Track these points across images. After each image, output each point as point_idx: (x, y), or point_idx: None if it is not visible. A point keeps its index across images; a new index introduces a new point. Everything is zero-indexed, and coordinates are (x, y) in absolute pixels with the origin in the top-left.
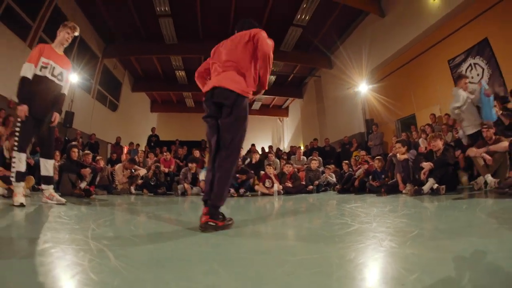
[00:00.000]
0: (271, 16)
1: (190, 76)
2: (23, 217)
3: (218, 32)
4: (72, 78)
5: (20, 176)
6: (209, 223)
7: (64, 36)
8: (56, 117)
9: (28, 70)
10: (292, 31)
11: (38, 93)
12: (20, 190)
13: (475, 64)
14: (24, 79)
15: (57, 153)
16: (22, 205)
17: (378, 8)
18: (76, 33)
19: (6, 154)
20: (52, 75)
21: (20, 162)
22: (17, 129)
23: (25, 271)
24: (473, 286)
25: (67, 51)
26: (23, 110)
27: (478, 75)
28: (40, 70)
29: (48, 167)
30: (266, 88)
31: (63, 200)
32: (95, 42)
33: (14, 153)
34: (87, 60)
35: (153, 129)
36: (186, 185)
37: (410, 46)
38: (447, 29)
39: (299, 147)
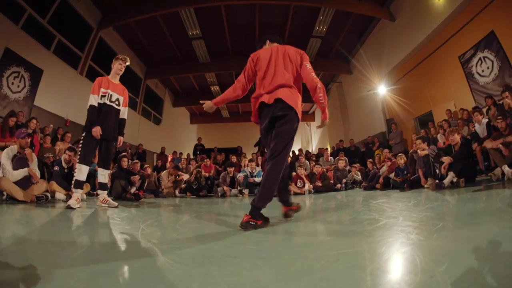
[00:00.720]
0: (291, 29)
1: (224, 89)
2: (82, 219)
3: (245, 48)
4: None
5: (78, 184)
6: (250, 222)
7: (117, 67)
8: (121, 140)
9: (93, 100)
10: (313, 42)
11: (100, 116)
12: (76, 195)
13: (484, 57)
14: (92, 107)
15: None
16: (70, 207)
17: (388, 13)
18: (127, 63)
19: (64, 165)
20: (110, 101)
21: (80, 172)
22: (81, 144)
23: (84, 265)
24: (498, 276)
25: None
26: (97, 131)
27: (488, 68)
28: (101, 98)
29: (105, 175)
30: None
31: (115, 203)
32: (137, 66)
33: (77, 165)
34: (132, 82)
35: (199, 139)
36: (225, 188)
37: (422, 46)
38: (454, 26)
39: (326, 148)
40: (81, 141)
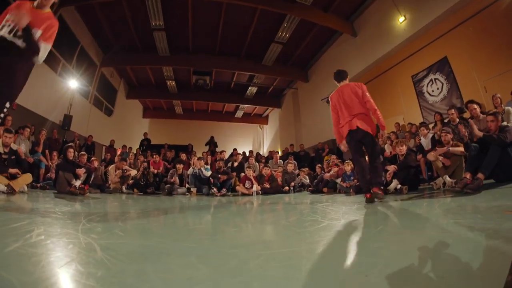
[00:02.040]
0: (255, 33)
1: (180, 85)
2: (20, 211)
3: (207, 46)
4: (71, 83)
5: None
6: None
7: None
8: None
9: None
10: (273, 47)
11: None
12: None
13: (435, 79)
14: None
15: (55, 153)
16: None
17: (351, 28)
18: None
19: (0, 149)
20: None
21: None
22: None
23: (17, 261)
24: (433, 276)
25: (68, 58)
26: None
27: (438, 88)
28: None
29: None
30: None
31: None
32: (94, 51)
33: None
34: (86, 67)
35: (145, 134)
36: (174, 179)
37: (378, 62)
38: (411, 48)
39: (277, 152)
40: None
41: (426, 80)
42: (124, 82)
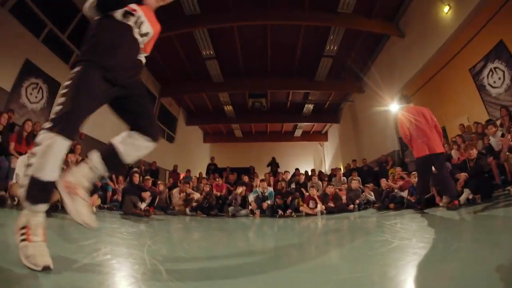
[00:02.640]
0: (303, 49)
1: (237, 109)
2: (88, 230)
3: (258, 67)
4: None
5: None
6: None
7: None
8: None
9: None
10: (324, 62)
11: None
12: None
13: (495, 68)
14: None
15: (121, 177)
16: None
17: (397, 30)
18: None
19: None
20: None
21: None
22: None
23: (84, 277)
24: None
25: None
26: None
27: (499, 78)
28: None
29: None
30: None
31: None
32: (152, 84)
33: None
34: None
35: (212, 158)
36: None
37: (432, 61)
38: (463, 39)
39: (339, 168)
40: None
41: (485, 71)
42: (183, 110)
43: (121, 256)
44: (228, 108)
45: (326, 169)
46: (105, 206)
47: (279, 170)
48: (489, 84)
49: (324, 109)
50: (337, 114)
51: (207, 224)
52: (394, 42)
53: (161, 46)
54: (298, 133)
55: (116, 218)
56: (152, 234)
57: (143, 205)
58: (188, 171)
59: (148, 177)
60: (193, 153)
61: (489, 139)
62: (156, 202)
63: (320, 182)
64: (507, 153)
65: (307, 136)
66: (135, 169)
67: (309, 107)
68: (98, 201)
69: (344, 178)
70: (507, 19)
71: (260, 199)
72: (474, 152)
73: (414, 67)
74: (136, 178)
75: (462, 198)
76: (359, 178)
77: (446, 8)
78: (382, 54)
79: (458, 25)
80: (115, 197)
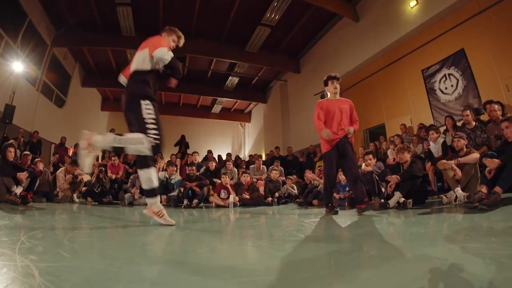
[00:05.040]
0: (238, 12)
1: None
2: None
3: (180, 26)
4: (15, 66)
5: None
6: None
7: (170, 43)
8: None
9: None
10: (260, 31)
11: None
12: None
13: (449, 74)
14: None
15: None
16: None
17: (353, 12)
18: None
19: None
20: None
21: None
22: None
23: None
24: None
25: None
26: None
27: (452, 86)
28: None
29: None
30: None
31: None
32: (44, 27)
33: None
34: (34, 46)
35: (112, 131)
36: (134, 190)
37: (383, 53)
38: (422, 38)
39: (260, 155)
40: (147, 112)
41: (439, 76)
42: (79, 66)
43: None
44: None
45: (246, 154)
46: None
47: (188, 151)
48: (439, 89)
49: (251, 85)
50: (265, 93)
51: (99, 214)
52: (346, 25)
53: None
54: (216, 109)
55: None
56: (28, 227)
57: (19, 190)
58: (78, 145)
59: (27, 152)
60: (87, 123)
61: (429, 144)
62: (36, 186)
63: (235, 169)
64: (452, 165)
65: (227, 114)
66: (11, 141)
67: (233, 80)
68: None
69: (264, 167)
70: (472, 29)
71: (164, 186)
72: (405, 156)
73: (362, 55)
74: (11, 154)
75: (392, 201)
76: (281, 168)
77: (412, 2)
78: (329, 35)
79: (422, 22)
80: None
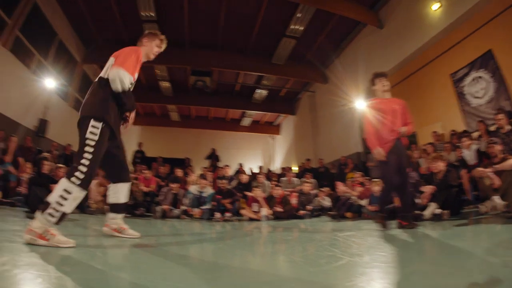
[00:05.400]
0: (263, 25)
1: (176, 87)
2: None
3: (206, 41)
4: (48, 83)
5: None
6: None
7: (155, 49)
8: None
9: (128, 82)
10: (285, 43)
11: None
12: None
13: (479, 77)
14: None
15: (28, 164)
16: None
17: (376, 19)
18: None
19: None
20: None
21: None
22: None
23: None
24: None
25: (44, 52)
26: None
27: (482, 89)
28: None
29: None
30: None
31: (137, 234)
32: (74, 45)
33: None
34: (65, 63)
35: (140, 144)
36: (165, 206)
37: (410, 59)
38: (448, 41)
39: (290, 168)
40: (88, 138)
41: (468, 79)
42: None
43: (22, 267)
44: (165, 84)
45: (276, 166)
46: (7, 200)
47: (219, 164)
48: (470, 93)
49: (279, 97)
50: (294, 105)
51: (131, 227)
52: (370, 33)
53: (93, 0)
54: (246, 122)
55: (19, 217)
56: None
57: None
58: None
59: (60, 165)
60: None
61: (462, 152)
62: None
63: (267, 182)
64: (489, 173)
65: (257, 126)
66: (44, 154)
67: (261, 93)
68: None
69: (296, 179)
70: (498, 29)
71: (198, 200)
72: (439, 165)
73: (388, 63)
74: (46, 166)
75: (428, 212)
76: (314, 180)
77: (435, 6)
78: (353, 43)
79: (446, 25)
80: (18, 189)
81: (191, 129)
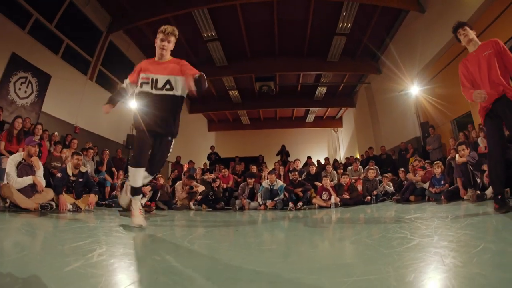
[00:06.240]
0: (313, 27)
1: (243, 94)
2: (85, 229)
3: (265, 48)
4: (132, 104)
5: (135, 191)
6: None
7: (157, 44)
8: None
9: (124, 83)
10: (337, 41)
11: (146, 107)
12: (136, 207)
13: None
14: (119, 89)
15: (121, 172)
16: (141, 227)
17: (417, 4)
18: (172, 38)
19: (69, 172)
20: (157, 88)
21: (133, 177)
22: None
23: (76, 281)
24: None
25: (124, 78)
26: (105, 108)
27: None
28: (141, 86)
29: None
30: None
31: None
32: None
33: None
34: None
35: (212, 147)
36: (243, 200)
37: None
38: (492, 13)
39: (356, 158)
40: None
41: None
42: (186, 100)
43: (117, 256)
44: (234, 93)
45: (341, 157)
46: (104, 203)
47: (289, 159)
48: None
49: (338, 92)
50: (352, 98)
51: (213, 219)
52: (414, 18)
53: (157, 28)
54: (310, 118)
55: (114, 215)
56: (152, 231)
57: (143, 200)
58: (191, 162)
59: None
60: (197, 143)
61: None
62: (157, 197)
63: (334, 172)
64: None
65: (320, 121)
66: None
67: (321, 90)
68: (96, 198)
69: (361, 167)
70: None
71: (269, 192)
72: None
73: (436, 45)
74: None
75: (490, 191)
76: (376, 167)
77: None
78: (400, 31)
79: None
80: (114, 192)
81: (262, 130)
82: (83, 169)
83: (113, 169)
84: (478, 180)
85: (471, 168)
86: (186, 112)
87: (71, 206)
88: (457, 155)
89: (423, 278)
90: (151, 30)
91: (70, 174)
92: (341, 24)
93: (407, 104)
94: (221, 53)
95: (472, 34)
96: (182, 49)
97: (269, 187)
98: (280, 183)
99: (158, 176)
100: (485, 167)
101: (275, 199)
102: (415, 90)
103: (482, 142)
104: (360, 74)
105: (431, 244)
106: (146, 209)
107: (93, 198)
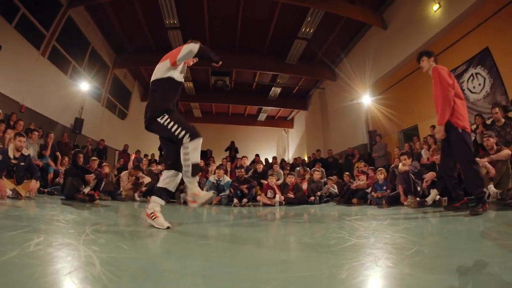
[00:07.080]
0: (277, 28)
1: (198, 86)
2: (23, 217)
3: (225, 43)
4: (82, 86)
5: (196, 170)
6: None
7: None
8: None
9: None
10: (297, 44)
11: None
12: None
13: (476, 74)
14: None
15: (66, 158)
16: (201, 204)
17: (381, 20)
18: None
19: (10, 154)
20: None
21: (195, 151)
22: (173, 121)
23: (10, 271)
24: None
25: (79, 59)
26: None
27: (479, 84)
28: (181, 72)
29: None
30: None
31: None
32: (106, 52)
33: (191, 143)
34: (98, 69)
35: None
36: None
37: (413, 57)
38: (448, 40)
39: (304, 159)
40: (169, 120)
41: (466, 76)
42: (138, 84)
43: (55, 246)
44: (189, 84)
45: (290, 157)
46: (45, 190)
47: (238, 155)
48: (468, 89)
49: (292, 94)
50: (306, 101)
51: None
52: (374, 33)
53: (120, 10)
54: (262, 117)
55: (56, 204)
56: (93, 221)
57: (87, 189)
58: (138, 151)
59: (94, 158)
60: (146, 132)
61: None
62: (102, 186)
63: (281, 171)
64: (485, 163)
65: (272, 121)
66: (79, 149)
67: (276, 90)
68: (37, 185)
69: (308, 169)
70: (495, 27)
71: (215, 187)
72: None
73: (392, 60)
74: (80, 159)
75: (430, 198)
76: (322, 169)
77: (435, 6)
78: (360, 43)
79: (446, 25)
80: (56, 179)
81: (213, 124)
82: (25, 152)
83: (57, 153)
84: (419, 188)
85: (413, 177)
86: (138, 100)
87: (10, 192)
88: (400, 164)
89: (355, 277)
90: (113, 10)
91: (12, 156)
92: (304, 28)
93: (359, 112)
94: (181, 42)
95: (425, 66)
96: (141, 34)
97: (215, 182)
98: (227, 178)
99: (103, 164)
100: (425, 175)
101: (221, 194)
102: (367, 100)
103: (425, 154)
104: (316, 79)
105: (367, 245)
106: (89, 198)
107: (34, 184)
